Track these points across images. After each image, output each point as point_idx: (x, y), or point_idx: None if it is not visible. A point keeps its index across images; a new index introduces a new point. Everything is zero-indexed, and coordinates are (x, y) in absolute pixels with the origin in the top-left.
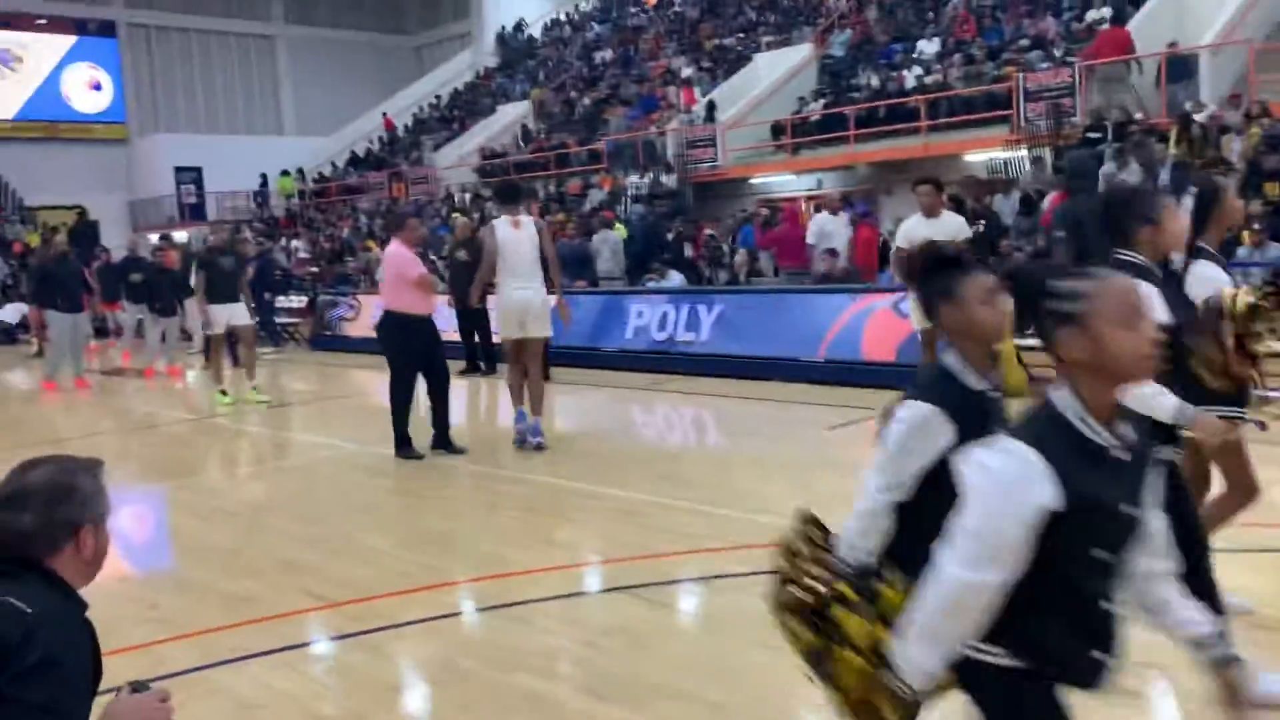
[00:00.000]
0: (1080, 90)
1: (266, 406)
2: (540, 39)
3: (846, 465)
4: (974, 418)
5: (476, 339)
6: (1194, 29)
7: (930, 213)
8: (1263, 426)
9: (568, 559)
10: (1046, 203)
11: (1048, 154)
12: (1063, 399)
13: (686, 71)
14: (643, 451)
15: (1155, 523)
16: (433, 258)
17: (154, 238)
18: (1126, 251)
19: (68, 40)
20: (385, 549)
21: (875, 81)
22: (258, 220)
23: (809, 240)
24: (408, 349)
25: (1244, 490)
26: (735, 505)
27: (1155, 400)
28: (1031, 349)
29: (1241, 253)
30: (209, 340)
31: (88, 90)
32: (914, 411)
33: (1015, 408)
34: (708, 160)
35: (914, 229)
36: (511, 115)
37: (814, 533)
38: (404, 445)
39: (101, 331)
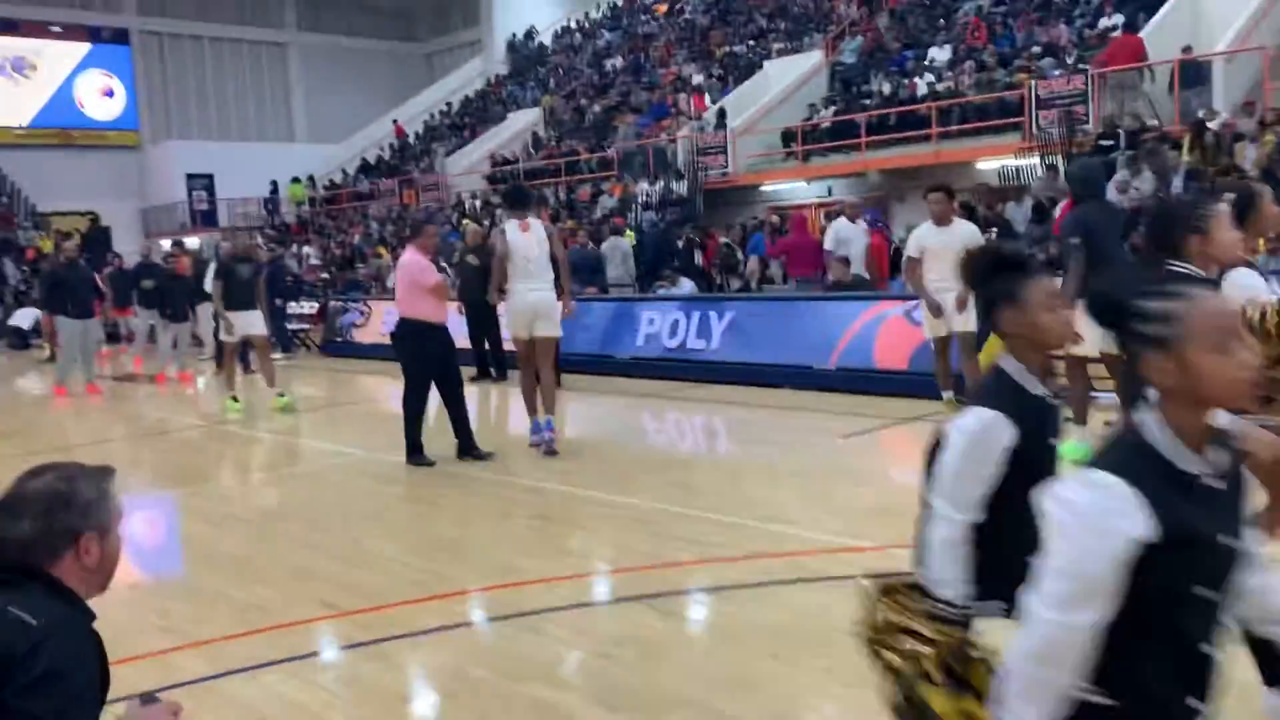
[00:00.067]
0: (1093, 97)
1: (293, 408)
2: (551, 46)
3: (860, 474)
4: (1033, 425)
5: (486, 346)
6: (1207, 36)
7: (942, 221)
8: None
9: (580, 568)
10: (1058, 211)
11: (1060, 161)
12: (1150, 424)
13: (697, 78)
14: (655, 459)
15: (1253, 547)
16: (443, 264)
17: (166, 244)
18: (1178, 262)
19: (81, 48)
20: (396, 556)
21: (886, 88)
22: (269, 227)
23: (827, 246)
24: (424, 356)
25: None
26: (748, 514)
27: None
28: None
29: (1258, 261)
30: (220, 346)
31: (101, 97)
32: (974, 418)
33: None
34: (718, 167)
35: (925, 237)
36: (522, 122)
37: (897, 597)
38: (415, 452)
39: (113, 337)
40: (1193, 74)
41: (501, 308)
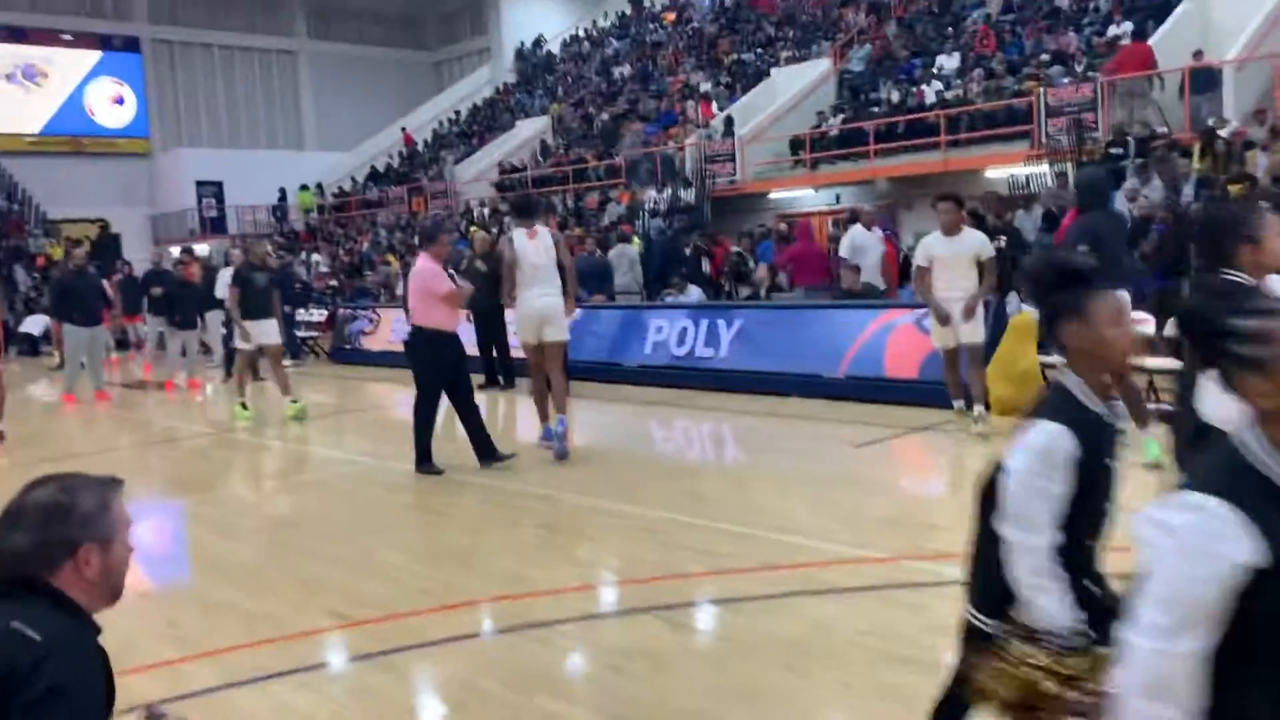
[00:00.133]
0: (1102, 105)
1: (305, 415)
2: (559, 54)
3: (871, 483)
4: (1093, 443)
5: (494, 353)
6: (1217, 44)
7: (950, 230)
8: None
9: (588, 578)
10: (1066, 219)
11: (1070, 169)
12: (1248, 443)
13: (705, 86)
14: (663, 468)
15: None
16: (451, 271)
17: (175, 251)
18: (1230, 271)
19: (92, 56)
20: (405, 566)
21: (895, 96)
22: (278, 234)
23: (842, 254)
24: (437, 365)
25: None
26: (758, 524)
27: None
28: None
29: None
30: (229, 354)
31: (111, 105)
32: (1039, 433)
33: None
34: (726, 175)
35: (933, 246)
36: (530, 130)
37: (1008, 655)
38: (424, 460)
39: (123, 344)
40: (1203, 81)
41: (510, 315)
